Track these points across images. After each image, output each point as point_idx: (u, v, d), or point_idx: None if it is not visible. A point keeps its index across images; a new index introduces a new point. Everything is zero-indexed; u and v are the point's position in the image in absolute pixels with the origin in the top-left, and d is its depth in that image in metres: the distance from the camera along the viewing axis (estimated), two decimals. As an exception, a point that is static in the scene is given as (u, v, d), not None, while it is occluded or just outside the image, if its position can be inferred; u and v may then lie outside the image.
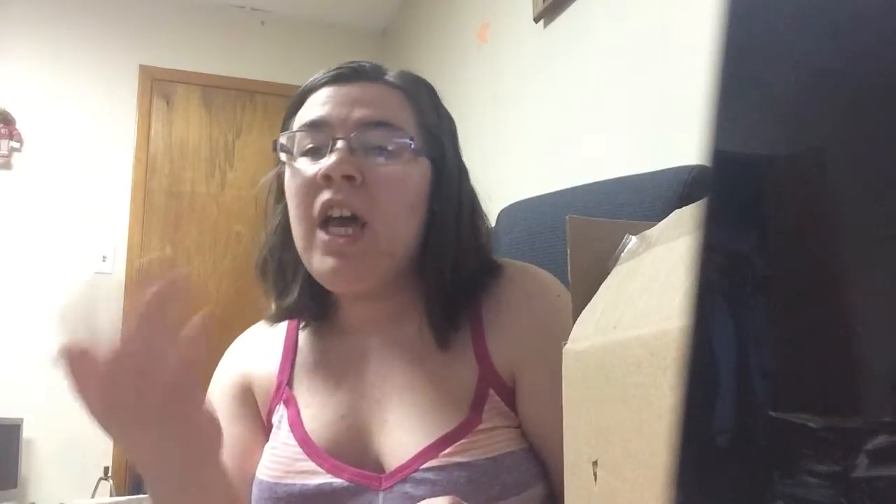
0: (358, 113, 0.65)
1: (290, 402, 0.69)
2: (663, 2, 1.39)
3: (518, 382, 0.64)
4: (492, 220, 0.82)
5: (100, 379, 0.46)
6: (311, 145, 0.66)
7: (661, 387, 0.24)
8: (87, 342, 0.45)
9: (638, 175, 0.89)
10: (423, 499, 0.56)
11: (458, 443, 0.61)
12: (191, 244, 3.15)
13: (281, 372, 0.71)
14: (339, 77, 0.68)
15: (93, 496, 2.65)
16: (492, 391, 0.64)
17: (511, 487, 0.60)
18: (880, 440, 0.15)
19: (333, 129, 0.64)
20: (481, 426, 0.62)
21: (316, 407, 0.68)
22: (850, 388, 0.16)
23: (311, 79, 0.69)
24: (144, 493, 0.57)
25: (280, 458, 0.66)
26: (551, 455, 0.63)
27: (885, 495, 0.15)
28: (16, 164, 2.94)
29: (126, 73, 3.12)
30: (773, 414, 0.16)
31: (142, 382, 0.47)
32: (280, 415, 0.69)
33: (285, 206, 0.70)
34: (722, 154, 0.18)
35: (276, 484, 0.64)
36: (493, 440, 0.61)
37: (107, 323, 0.46)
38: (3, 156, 2.89)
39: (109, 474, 2.73)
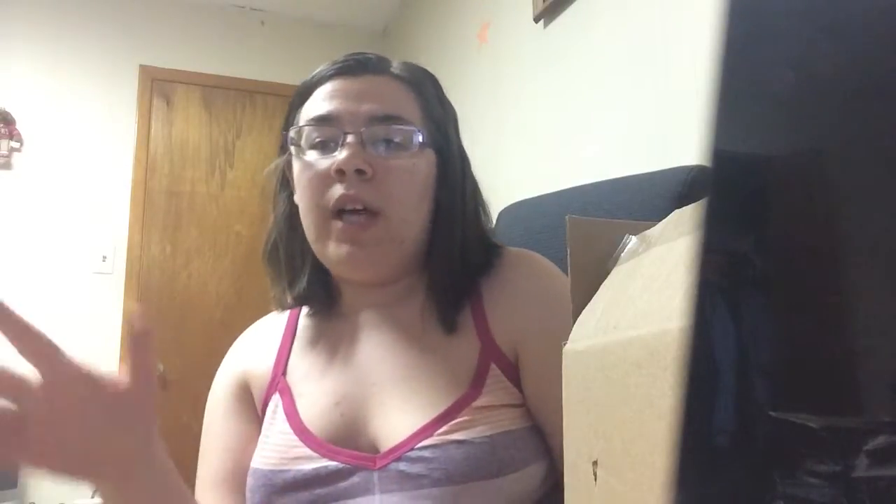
0: (366, 107, 0.66)
1: (285, 392, 0.69)
2: (663, 2, 1.39)
3: (520, 357, 0.65)
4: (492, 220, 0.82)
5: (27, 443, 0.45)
6: (319, 139, 0.67)
7: (662, 387, 0.24)
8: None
9: (638, 175, 0.89)
10: (419, 476, 0.57)
11: (455, 421, 0.61)
12: (191, 244, 3.15)
13: (277, 363, 0.72)
14: (346, 70, 0.68)
15: (93, 496, 2.64)
16: (493, 365, 0.64)
17: (509, 465, 0.60)
18: (880, 440, 0.15)
19: (343, 124, 0.65)
20: (481, 401, 0.62)
21: (311, 394, 0.68)
22: (850, 388, 0.16)
23: (317, 71, 0.70)
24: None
25: (276, 447, 0.66)
26: (554, 432, 0.63)
27: (885, 495, 0.15)
28: (16, 164, 2.93)
29: (126, 73, 3.12)
30: (773, 414, 0.16)
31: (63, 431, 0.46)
32: (275, 404, 0.69)
33: (289, 195, 0.70)
34: (721, 154, 0.18)
35: (272, 472, 0.64)
36: (491, 419, 0.61)
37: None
38: (3, 156, 2.89)
39: (109, 474, 2.73)
